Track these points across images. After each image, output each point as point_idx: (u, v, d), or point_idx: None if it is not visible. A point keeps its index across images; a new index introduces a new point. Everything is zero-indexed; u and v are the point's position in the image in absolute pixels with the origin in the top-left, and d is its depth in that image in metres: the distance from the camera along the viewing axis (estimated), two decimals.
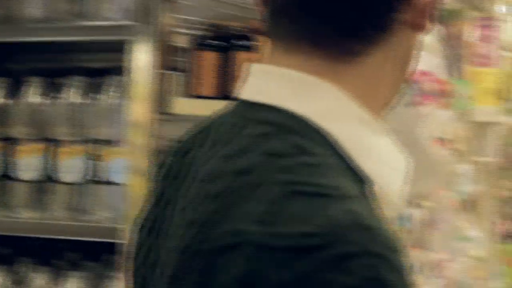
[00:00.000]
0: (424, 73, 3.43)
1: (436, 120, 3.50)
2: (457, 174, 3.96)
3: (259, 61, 0.86)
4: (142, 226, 0.92)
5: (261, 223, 0.69)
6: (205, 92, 2.07)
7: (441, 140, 3.66)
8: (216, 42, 2.06)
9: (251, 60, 1.93)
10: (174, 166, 0.90)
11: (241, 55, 2.04)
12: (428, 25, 0.83)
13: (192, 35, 2.14)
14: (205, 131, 0.87)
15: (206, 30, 2.14)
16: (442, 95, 3.61)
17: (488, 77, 4.32)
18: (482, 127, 4.47)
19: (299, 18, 0.79)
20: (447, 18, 3.93)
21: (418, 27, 0.82)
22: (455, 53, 4.02)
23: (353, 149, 0.77)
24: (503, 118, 4.40)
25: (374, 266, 0.66)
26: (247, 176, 0.73)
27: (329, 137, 0.77)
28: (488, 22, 4.29)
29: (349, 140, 0.78)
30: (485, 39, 4.29)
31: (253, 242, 0.68)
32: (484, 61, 4.41)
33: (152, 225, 0.89)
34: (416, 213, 3.21)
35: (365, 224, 0.68)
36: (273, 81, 0.81)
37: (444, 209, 3.64)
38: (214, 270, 0.70)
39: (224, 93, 2.06)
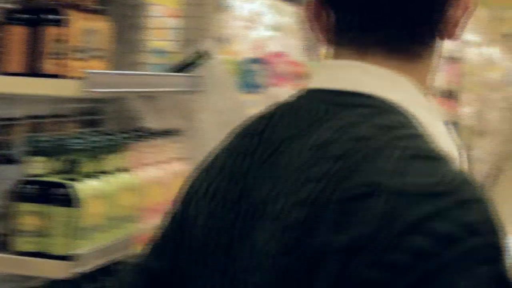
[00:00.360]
0: (278, 55, 3.51)
1: None
2: None
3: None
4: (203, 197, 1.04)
5: (393, 176, 0.89)
6: (13, 69, 2.00)
7: None
8: (25, 16, 2.01)
9: (60, 35, 1.98)
10: (245, 145, 1.04)
11: (51, 30, 1.98)
12: (458, 33, 1.06)
13: None
14: (270, 117, 1.05)
15: (14, 3, 2.04)
16: (298, 77, 3.62)
17: None
18: None
19: (379, 31, 1.02)
20: None
21: (451, 36, 1.06)
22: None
23: (430, 129, 0.99)
24: None
25: (486, 210, 0.90)
26: (367, 142, 0.92)
27: (415, 119, 0.98)
28: None
29: (426, 122, 0.99)
30: None
31: (389, 189, 0.88)
32: None
33: (227, 196, 1.01)
34: None
35: (470, 181, 0.91)
36: (360, 73, 1.01)
37: None
38: (350, 214, 0.87)
39: (33, 70, 2.00)
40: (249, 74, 3.56)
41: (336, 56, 1.05)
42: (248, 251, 0.96)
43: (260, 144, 1.03)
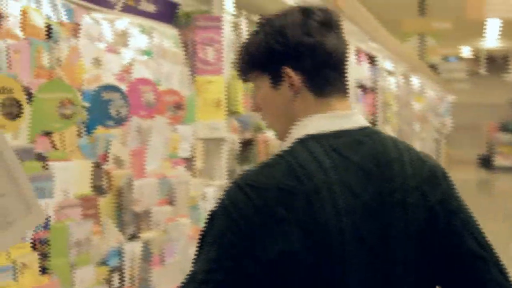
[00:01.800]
0: (146, 82, 3.33)
1: (171, 135, 3.55)
2: (198, 198, 3.63)
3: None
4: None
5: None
6: None
7: (180, 159, 3.66)
8: None
9: None
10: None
11: None
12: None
13: None
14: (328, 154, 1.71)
15: None
16: (174, 107, 3.45)
17: (211, 86, 3.55)
18: (216, 143, 3.76)
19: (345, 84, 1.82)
20: (183, 21, 3.63)
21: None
22: (191, 61, 3.61)
23: None
24: (227, 134, 3.75)
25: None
26: (433, 161, 1.80)
27: None
28: (210, 22, 3.73)
29: None
30: (207, 41, 3.66)
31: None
32: (206, 67, 3.70)
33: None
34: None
35: None
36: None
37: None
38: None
39: None
40: (105, 105, 3.06)
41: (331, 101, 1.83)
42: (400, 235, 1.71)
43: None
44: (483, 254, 1.73)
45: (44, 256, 2.54)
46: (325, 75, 1.78)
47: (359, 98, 8.19)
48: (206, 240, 1.69)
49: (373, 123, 8.86)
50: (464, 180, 19.87)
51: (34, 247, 2.51)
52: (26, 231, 1.60)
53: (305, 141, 1.73)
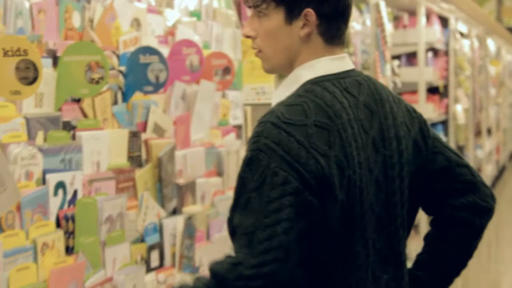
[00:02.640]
0: (190, 44, 3.15)
1: (220, 101, 3.44)
2: None
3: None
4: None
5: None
6: None
7: (231, 127, 3.55)
8: None
9: None
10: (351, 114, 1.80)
11: None
12: None
13: None
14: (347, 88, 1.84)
15: None
16: (223, 72, 3.23)
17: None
18: (265, 110, 2.39)
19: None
20: None
21: None
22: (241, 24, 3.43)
23: None
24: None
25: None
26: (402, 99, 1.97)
27: None
28: None
29: None
30: None
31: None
32: None
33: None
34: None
35: None
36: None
37: None
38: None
39: None
40: (143, 69, 2.82)
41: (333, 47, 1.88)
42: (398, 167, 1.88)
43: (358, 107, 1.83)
44: (465, 163, 2.02)
45: (70, 234, 2.33)
46: (338, 25, 1.85)
47: (429, 61, 7.81)
48: (249, 186, 1.67)
49: (445, 87, 8.46)
50: None
51: (58, 224, 2.31)
52: (1, 210, 1.39)
53: (319, 82, 1.81)
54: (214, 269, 1.67)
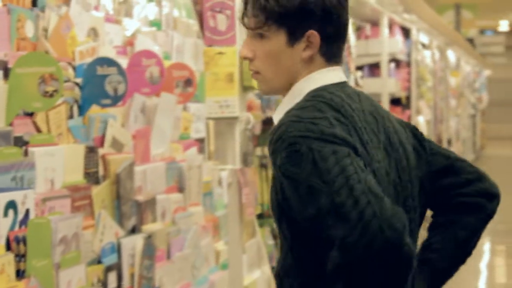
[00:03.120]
0: (149, 55, 3.01)
1: (181, 115, 3.25)
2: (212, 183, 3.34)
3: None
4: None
5: None
6: None
7: (193, 141, 3.39)
8: None
9: None
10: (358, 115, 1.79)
11: None
12: None
13: None
14: (348, 97, 1.80)
15: None
16: (188, 84, 3.15)
17: (222, 59, 3.14)
18: (228, 123, 3.35)
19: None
20: None
21: None
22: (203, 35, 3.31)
23: None
24: (241, 112, 3.28)
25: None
26: None
27: None
28: None
29: None
30: (217, 7, 3.15)
31: None
32: (216, 37, 3.30)
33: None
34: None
35: None
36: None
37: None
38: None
39: None
40: (100, 81, 2.69)
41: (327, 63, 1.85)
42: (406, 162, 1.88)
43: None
44: (462, 158, 2.03)
45: (21, 257, 2.19)
46: (339, 45, 1.84)
47: (391, 72, 7.77)
48: (302, 177, 1.66)
49: (407, 98, 8.43)
50: (500, 156, 19.35)
51: (8, 247, 2.16)
52: None
53: (324, 90, 1.78)
54: (333, 267, 1.63)
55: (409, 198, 1.87)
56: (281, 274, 1.81)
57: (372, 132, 1.80)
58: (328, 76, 1.82)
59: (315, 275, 1.74)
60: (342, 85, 1.84)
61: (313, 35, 1.78)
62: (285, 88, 1.83)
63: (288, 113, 1.73)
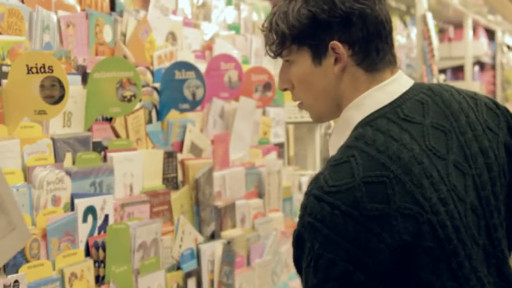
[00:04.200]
0: (228, 59, 3.00)
1: (260, 119, 3.25)
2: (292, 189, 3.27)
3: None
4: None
5: None
6: None
7: (272, 146, 3.32)
8: None
9: None
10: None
11: None
12: None
13: None
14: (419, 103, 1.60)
15: None
16: (267, 88, 3.12)
17: None
18: (307, 128, 3.30)
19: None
20: None
21: None
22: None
23: None
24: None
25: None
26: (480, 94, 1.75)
27: None
28: None
29: None
30: None
31: None
32: None
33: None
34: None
35: None
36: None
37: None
38: None
39: None
40: (178, 85, 2.67)
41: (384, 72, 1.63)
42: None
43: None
44: None
45: (100, 263, 2.17)
46: (377, 47, 1.60)
47: (476, 75, 7.58)
48: (300, 265, 1.53)
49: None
50: None
51: (88, 253, 2.15)
52: (10, 251, 1.23)
53: (371, 122, 1.56)
54: None
55: (494, 214, 1.61)
56: None
57: (436, 158, 1.55)
58: (378, 98, 1.59)
59: None
60: (399, 101, 1.60)
61: (337, 46, 1.57)
62: (334, 111, 1.64)
63: (328, 163, 1.54)
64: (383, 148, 1.51)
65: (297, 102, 1.68)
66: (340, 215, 1.45)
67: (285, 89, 1.67)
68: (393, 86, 1.61)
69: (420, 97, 1.62)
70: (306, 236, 1.47)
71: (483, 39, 8.02)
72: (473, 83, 7.28)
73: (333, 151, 1.60)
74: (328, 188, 1.46)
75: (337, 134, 1.63)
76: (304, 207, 1.48)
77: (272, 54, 1.65)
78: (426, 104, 1.61)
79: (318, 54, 1.59)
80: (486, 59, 8.07)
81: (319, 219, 1.46)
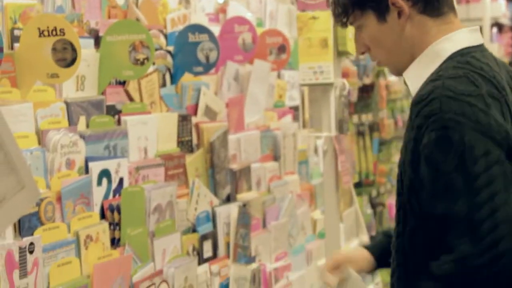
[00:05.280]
0: (242, 21, 3.00)
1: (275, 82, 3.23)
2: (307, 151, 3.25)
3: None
4: None
5: None
6: None
7: (287, 109, 3.33)
8: None
9: None
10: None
11: None
12: None
13: None
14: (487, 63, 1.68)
15: None
16: (281, 51, 3.13)
17: (316, 24, 3.08)
18: (322, 90, 3.18)
19: None
20: None
21: None
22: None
23: None
24: (336, 78, 3.13)
25: None
26: None
27: None
28: None
29: None
30: None
31: None
32: (309, 1, 3.12)
33: None
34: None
35: None
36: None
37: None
38: None
39: None
40: (192, 48, 2.66)
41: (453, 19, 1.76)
42: None
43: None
44: None
45: (115, 225, 2.19)
46: None
47: (494, 37, 7.51)
48: (445, 168, 1.56)
49: (511, 64, 8.13)
50: None
51: (103, 216, 2.16)
52: (19, 210, 1.25)
53: (471, 53, 1.69)
54: (440, 273, 1.57)
55: None
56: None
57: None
58: (468, 37, 1.73)
59: (416, 262, 1.68)
60: (482, 48, 1.73)
61: (396, 0, 1.72)
62: (409, 62, 1.77)
63: (436, 80, 1.63)
64: (491, 75, 1.64)
65: (377, 63, 1.83)
66: (480, 111, 1.57)
67: (363, 53, 1.81)
68: (477, 34, 1.74)
69: (492, 53, 1.76)
70: (451, 133, 1.55)
71: (502, 0, 7.93)
72: (491, 45, 7.22)
73: (414, 83, 1.72)
74: (459, 91, 1.58)
75: (419, 66, 1.72)
76: (438, 108, 1.57)
77: (341, 24, 1.80)
78: (498, 61, 1.75)
79: (381, 12, 1.72)
80: (505, 21, 7.99)
81: (460, 114, 1.56)
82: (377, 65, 1.86)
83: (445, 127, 1.56)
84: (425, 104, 1.60)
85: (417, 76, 1.72)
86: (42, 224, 1.91)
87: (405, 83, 1.79)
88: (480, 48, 1.73)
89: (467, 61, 1.66)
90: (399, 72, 1.81)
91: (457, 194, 1.54)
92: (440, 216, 1.58)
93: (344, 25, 1.81)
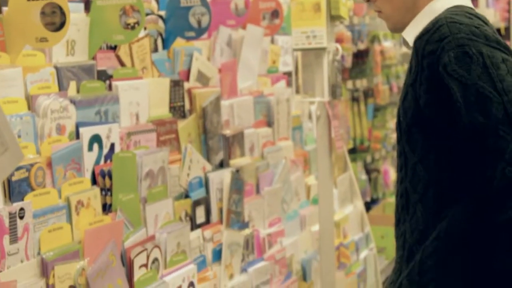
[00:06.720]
0: None
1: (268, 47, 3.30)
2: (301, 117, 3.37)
3: None
4: None
5: None
6: None
7: (281, 75, 3.38)
8: None
9: None
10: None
11: None
12: None
13: None
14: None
15: None
16: (274, 15, 3.18)
17: None
18: (315, 54, 3.17)
19: None
20: None
21: None
22: None
23: None
24: (329, 43, 3.15)
25: None
26: None
27: None
28: None
29: None
30: None
31: None
32: None
33: None
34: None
35: None
36: None
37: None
38: None
39: None
40: (184, 13, 2.64)
41: None
42: None
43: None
44: None
45: (107, 191, 2.18)
46: None
47: (489, 2, 7.47)
48: (470, 81, 1.60)
49: (506, 29, 8.10)
50: None
51: (94, 181, 2.16)
52: (3, 172, 1.24)
53: (464, 8, 1.73)
54: (504, 180, 1.56)
55: None
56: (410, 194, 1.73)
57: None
58: None
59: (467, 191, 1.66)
60: (473, 10, 1.77)
61: None
62: (407, 22, 1.81)
63: (436, 18, 1.69)
64: (486, 21, 1.70)
65: (378, 14, 1.85)
66: (485, 30, 1.64)
67: (368, 1, 1.85)
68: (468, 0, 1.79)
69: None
70: (467, 49, 1.61)
71: None
72: (487, 10, 7.18)
73: (414, 33, 1.74)
74: (463, 21, 1.64)
75: (418, 21, 1.76)
76: (447, 32, 1.63)
77: None
78: (488, 23, 1.77)
79: None
80: None
81: (470, 33, 1.62)
82: (378, 16, 1.87)
83: (461, 45, 1.62)
84: (434, 32, 1.65)
85: (413, 32, 1.76)
86: (32, 189, 1.90)
87: (404, 43, 1.83)
88: (472, 10, 1.75)
89: (463, 9, 1.71)
90: (395, 30, 1.85)
91: (490, 101, 1.59)
92: (480, 126, 1.60)
93: None
